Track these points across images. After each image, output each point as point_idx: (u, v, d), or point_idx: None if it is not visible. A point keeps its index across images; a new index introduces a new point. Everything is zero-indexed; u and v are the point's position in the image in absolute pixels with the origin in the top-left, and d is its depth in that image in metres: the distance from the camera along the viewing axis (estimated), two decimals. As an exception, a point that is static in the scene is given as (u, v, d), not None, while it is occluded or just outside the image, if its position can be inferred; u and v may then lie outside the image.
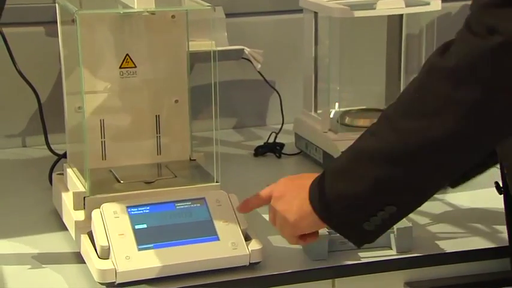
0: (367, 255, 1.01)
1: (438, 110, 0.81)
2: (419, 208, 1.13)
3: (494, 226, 1.09)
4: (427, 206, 1.15)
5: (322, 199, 0.88)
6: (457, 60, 0.79)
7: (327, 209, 0.88)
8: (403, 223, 1.02)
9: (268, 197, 0.96)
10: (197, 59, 1.19)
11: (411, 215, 1.11)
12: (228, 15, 1.42)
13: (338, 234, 0.99)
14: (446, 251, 1.03)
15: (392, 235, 1.02)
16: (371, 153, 0.85)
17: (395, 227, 1.01)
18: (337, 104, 1.38)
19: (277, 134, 1.44)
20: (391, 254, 1.01)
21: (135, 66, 1.09)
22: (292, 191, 0.92)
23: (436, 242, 1.05)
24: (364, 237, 0.89)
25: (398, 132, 0.83)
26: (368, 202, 0.86)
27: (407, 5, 1.26)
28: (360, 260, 1.00)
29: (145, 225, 0.96)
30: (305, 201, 0.90)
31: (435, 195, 1.18)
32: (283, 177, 0.96)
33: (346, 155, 0.89)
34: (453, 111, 0.80)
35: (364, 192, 0.85)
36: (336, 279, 1.01)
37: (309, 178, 0.92)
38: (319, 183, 0.90)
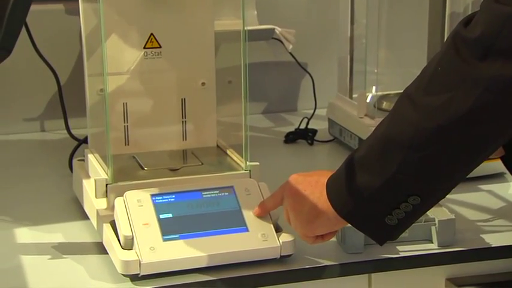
0: (406, 249, 1.00)
1: (462, 82, 0.80)
2: (462, 199, 1.14)
3: (543, 219, 1.08)
4: (471, 197, 1.15)
5: (341, 195, 0.88)
6: (482, 29, 0.79)
7: (347, 205, 0.88)
8: (446, 215, 1.02)
9: (282, 197, 0.96)
10: (224, 39, 1.19)
11: (454, 207, 1.11)
12: (257, -8, 1.42)
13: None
14: (492, 245, 1.02)
15: (433, 228, 1.01)
16: (392, 138, 0.85)
17: (436, 219, 1.01)
18: (374, 88, 1.38)
19: (309, 119, 1.44)
20: (431, 248, 1.01)
21: (160, 47, 1.09)
22: (305, 189, 0.92)
23: (481, 235, 1.04)
24: (386, 234, 0.89)
25: (421, 110, 0.83)
26: (390, 193, 0.85)
27: (451, -19, 1.24)
28: (398, 254, 1.00)
29: (170, 215, 0.97)
30: (319, 200, 0.90)
31: (480, 186, 1.19)
32: (294, 174, 0.96)
33: (366, 145, 0.88)
34: (478, 83, 0.79)
35: (386, 182, 0.85)
36: (372, 273, 1.01)
37: (322, 175, 0.92)
38: (337, 179, 0.89)
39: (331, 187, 0.90)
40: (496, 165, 1.12)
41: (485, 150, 0.84)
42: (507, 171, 1.09)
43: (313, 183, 0.92)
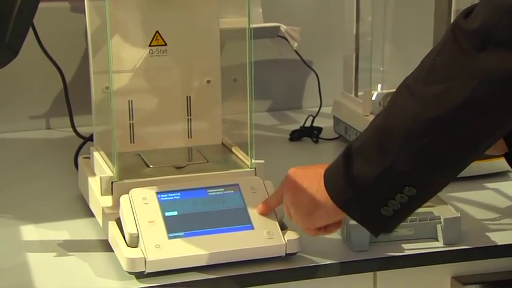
0: (411, 247, 1.00)
1: (460, 73, 0.80)
2: (468, 197, 1.14)
3: (549, 217, 1.08)
4: (477, 195, 1.15)
5: (338, 185, 0.88)
6: (481, 21, 0.79)
7: (344, 194, 0.88)
8: (451, 213, 1.02)
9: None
10: (229, 37, 1.19)
11: (460, 205, 1.11)
12: (263, -11, 1.42)
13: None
14: (497, 244, 1.02)
15: (439, 226, 1.01)
16: (389, 128, 0.85)
17: (442, 217, 1.01)
18: (379, 86, 1.37)
19: (314, 117, 1.44)
20: (437, 246, 1.01)
21: (166, 44, 1.09)
22: (303, 182, 0.92)
23: (486, 233, 1.04)
24: (381, 225, 0.89)
25: (419, 100, 0.83)
26: (386, 183, 0.85)
27: (457, -22, 1.24)
28: (403, 252, 0.99)
29: (175, 213, 0.97)
30: (317, 192, 0.90)
31: (485, 184, 1.18)
32: (292, 168, 0.95)
33: (363, 136, 0.88)
34: (475, 74, 0.79)
35: (382, 172, 0.85)
36: (377, 272, 1.01)
37: (320, 167, 0.92)
38: (335, 169, 0.89)
39: (329, 177, 0.90)
40: (501, 163, 1.12)
41: (482, 143, 0.84)
42: (513, 170, 1.09)
43: (311, 175, 0.92)
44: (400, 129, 0.84)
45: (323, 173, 0.91)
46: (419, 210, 1.02)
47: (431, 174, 0.85)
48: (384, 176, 0.85)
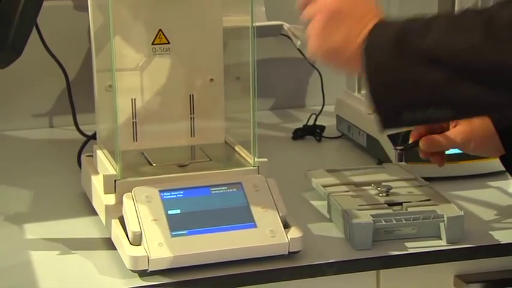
0: (414, 246, 1.00)
1: None
2: (471, 196, 1.14)
3: (553, 216, 1.08)
4: (480, 194, 1.15)
5: (378, 62, 0.80)
6: None
7: (380, 75, 0.80)
8: (454, 212, 1.02)
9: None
10: (231, 35, 1.19)
11: (463, 203, 1.11)
12: (266, -12, 1.42)
13: (384, 223, 0.99)
14: (501, 242, 1.02)
15: (442, 224, 1.01)
16: (465, 67, 0.78)
17: (445, 215, 1.00)
18: (382, 84, 1.37)
19: (317, 115, 1.44)
20: (440, 244, 1.01)
21: (169, 43, 1.09)
22: (345, 18, 0.83)
23: (490, 232, 1.04)
24: (393, 123, 0.82)
25: (500, 44, 0.76)
26: (426, 94, 0.79)
27: (460, -24, 1.24)
28: (406, 251, 0.99)
29: (178, 211, 0.97)
30: (352, 41, 0.82)
31: (489, 183, 1.18)
32: None
33: (426, 39, 0.79)
34: None
35: (428, 84, 0.78)
36: (380, 270, 1.00)
37: (371, 14, 0.83)
38: (382, 48, 0.80)
39: (371, 48, 0.81)
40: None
41: None
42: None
43: (358, 17, 0.83)
44: (469, 67, 0.78)
45: (369, 32, 0.82)
46: (422, 209, 1.03)
47: (481, 111, 0.82)
48: (429, 88, 0.79)
